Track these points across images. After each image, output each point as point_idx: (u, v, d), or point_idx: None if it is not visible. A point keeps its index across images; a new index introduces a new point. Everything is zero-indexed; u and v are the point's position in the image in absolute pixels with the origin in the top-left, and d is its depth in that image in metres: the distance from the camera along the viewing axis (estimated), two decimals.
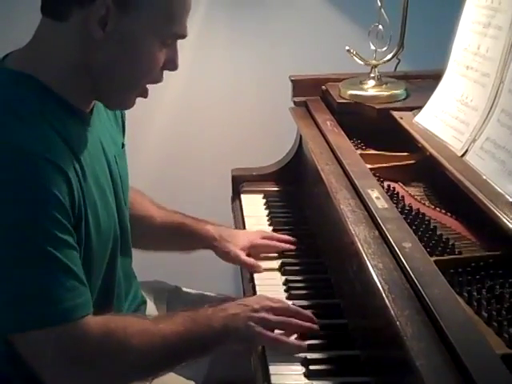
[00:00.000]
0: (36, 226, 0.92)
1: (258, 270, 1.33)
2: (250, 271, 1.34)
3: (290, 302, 1.18)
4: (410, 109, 1.43)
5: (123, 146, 1.24)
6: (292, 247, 1.39)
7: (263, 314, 1.08)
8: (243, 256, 1.35)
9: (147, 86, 1.06)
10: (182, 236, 1.40)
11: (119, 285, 1.18)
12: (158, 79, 1.05)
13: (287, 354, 1.05)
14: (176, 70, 1.06)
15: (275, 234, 1.44)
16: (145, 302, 1.33)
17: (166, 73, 1.06)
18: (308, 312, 1.13)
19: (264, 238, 1.41)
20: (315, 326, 1.10)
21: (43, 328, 0.94)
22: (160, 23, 0.99)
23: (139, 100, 1.09)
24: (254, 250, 1.39)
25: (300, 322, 1.10)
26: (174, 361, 1.07)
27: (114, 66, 1.00)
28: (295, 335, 1.08)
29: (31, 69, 0.99)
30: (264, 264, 1.35)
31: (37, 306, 0.93)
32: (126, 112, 1.30)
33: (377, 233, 1.04)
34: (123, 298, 1.21)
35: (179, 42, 1.05)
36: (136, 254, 1.29)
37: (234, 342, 1.08)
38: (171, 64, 1.04)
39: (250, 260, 1.35)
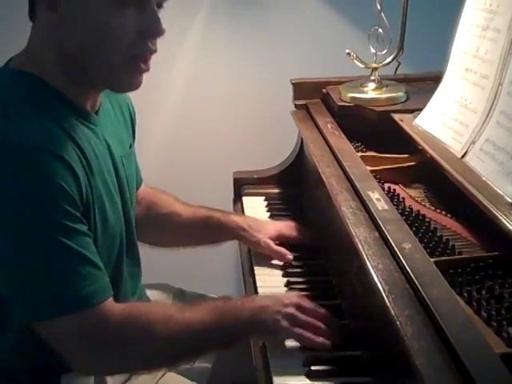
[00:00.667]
0: (45, 217, 0.93)
1: (289, 259, 1.34)
2: (280, 260, 1.34)
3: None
4: (410, 111, 1.44)
5: (131, 146, 1.25)
6: (314, 243, 1.39)
7: (292, 310, 1.07)
8: (273, 245, 1.36)
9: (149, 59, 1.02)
10: (210, 228, 1.40)
11: (125, 284, 1.19)
12: (144, 48, 1.00)
13: (285, 352, 1.06)
14: (158, 36, 1.00)
15: (302, 228, 1.44)
16: None
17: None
18: (337, 321, 1.12)
19: (291, 228, 1.42)
20: (338, 338, 1.08)
21: (64, 315, 0.95)
22: None
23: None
24: (283, 239, 1.39)
25: (325, 328, 1.08)
26: (198, 349, 1.07)
27: (86, 45, 0.98)
28: None
29: (33, 68, 1.01)
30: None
31: (55, 295, 0.95)
32: None
33: (377, 234, 1.04)
34: (129, 297, 1.22)
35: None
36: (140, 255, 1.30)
37: (260, 334, 1.08)
38: (148, 29, 0.99)
39: (281, 249, 1.35)
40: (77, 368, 1.02)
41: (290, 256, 1.34)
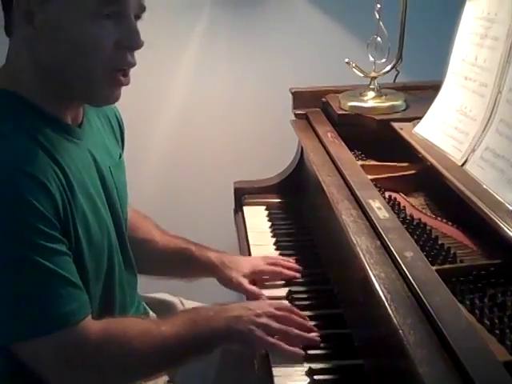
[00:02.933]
0: (20, 238, 0.93)
1: (261, 298, 1.28)
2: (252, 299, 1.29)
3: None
4: (410, 119, 1.44)
5: (120, 156, 1.24)
6: (297, 275, 1.33)
7: (265, 320, 1.08)
8: (246, 284, 1.31)
9: (129, 72, 1.01)
10: (184, 261, 1.37)
11: (124, 295, 1.19)
12: (121, 61, 0.99)
13: (288, 361, 1.06)
14: (136, 48, 0.99)
15: (280, 260, 1.38)
16: (147, 315, 1.33)
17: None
18: (309, 324, 1.13)
19: (269, 263, 1.35)
20: (316, 339, 1.10)
21: (41, 336, 0.95)
22: None
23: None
24: (259, 276, 1.34)
25: (300, 333, 1.10)
26: (174, 362, 1.10)
27: (62, 57, 0.97)
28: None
29: (11, 85, 1.01)
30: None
31: (32, 315, 0.95)
32: (126, 125, 1.32)
33: (378, 243, 1.04)
34: (128, 308, 1.22)
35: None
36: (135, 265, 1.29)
37: (235, 344, 1.09)
38: (126, 40, 0.97)
39: (253, 288, 1.30)
40: None
41: (264, 295, 1.28)
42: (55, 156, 1.00)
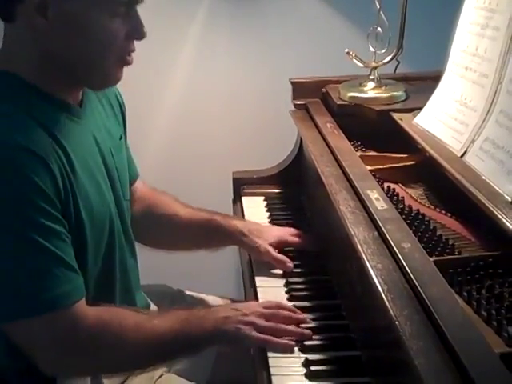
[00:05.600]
0: (20, 214, 0.93)
1: (290, 267, 1.30)
2: (280, 268, 1.31)
3: (290, 304, 1.18)
4: (410, 110, 1.44)
5: (121, 137, 1.24)
6: (316, 249, 1.37)
7: (253, 319, 1.09)
8: (273, 252, 1.33)
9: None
10: (209, 232, 1.37)
11: (127, 278, 1.19)
12: (127, 49, 1.05)
13: (283, 354, 1.06)
14: (143, 39, 1.05)
15: (302, 233, 1.41)
16: (148, 306, 1.33)
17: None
18: (301, 315, 1.13)
19: (292, 235, 1.39)
20: (307, 332, 1.10)
21: (33, 316, 0.95)
22: None
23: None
24: (283, 247, 1.36)
25: (290, 328, 1.10)
26: (165, 357, 1.10)
27: (73, 48, 1.01)
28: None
29: (10, 66, 1.01)
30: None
31: (25, 295, 0.95)
32: (128, 115, 1.31)
33: (376, 233, 1.04)
34: (134, 290, 1.22)
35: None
36: (139, 257, 1.29)
37: (224, 344, 1.10)
38: (135, 32, 1.04)
39: (282, 256, 1.32)
40: (45, 370, 1.01)
41: (291, 264, 1.31)
42: (56, 134, 1.00)
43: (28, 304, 0.95)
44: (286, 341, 1.07)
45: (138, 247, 1.30)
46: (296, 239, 1.39)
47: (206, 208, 1.43)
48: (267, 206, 1.62)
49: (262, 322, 1.09)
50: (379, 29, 1.53)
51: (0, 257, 0.94)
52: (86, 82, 1.08)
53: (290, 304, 1.19)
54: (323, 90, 1.65)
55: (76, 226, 1.02)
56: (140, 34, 1.05)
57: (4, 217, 0.92)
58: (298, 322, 1.12)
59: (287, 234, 1.40)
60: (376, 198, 1.12)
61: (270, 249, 1.33)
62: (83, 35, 1.00)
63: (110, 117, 1.23)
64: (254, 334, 1.07)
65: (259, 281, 1.31)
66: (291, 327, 1.10)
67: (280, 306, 1.15)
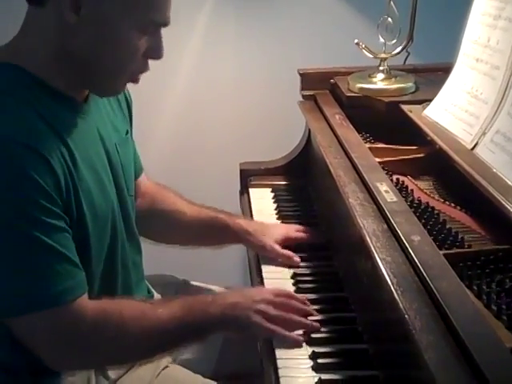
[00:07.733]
0: (20, 211, 0.92)
1: (297, 261, 1.31)
2: (287, 263, 1.32)
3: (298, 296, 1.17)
4: (420, 102, 1.43)
5: (127, 133, 1.24)
6: (322, 241, 1.37)
7: (263, 306, 1.08)
8: (279, 249, 1.33)
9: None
10: (215, 230, 1.38)
11: (127, 274, 1.19)
12: (142, 68, 1.04)
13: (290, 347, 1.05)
14: (159, 59, 1.04)
15: (307, 229, 1.41)
16: (152, 296, 1.33)
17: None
18: (310, 308, 1.13)
19: (297, 231, 1.39)
20: (316, 324, 1.09)
21: (37, 312, 0.95)
22: (138, 9, 0.98)
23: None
24: (289, 243, 1.36)
25: (299, 319, 1.09)
26: (169, 346, 1.10)
27: (93, 51, 0.99)
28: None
29: (18, 59, 0.99)
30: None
31: (28, 291, 0.94)
32: (134, 106, 1.30)
33: (385, 226, 1.03)
34: (132, 287, 1.21)
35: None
36: (144, 247, 1.29)
37: (232, 330, 1.09)
38: (154, 53, 1.03)
39: (288, 252, 1.33)
40: (49, 364, 1.01)
41: (297, 258, 1.31)
42: (59, 129, 0.99)
43: (31, 300, 0.94)
44: (295, 335, 1.07)
45: (143, 239, 1.29)
46: (301, 235, 1.39)
47: (212, 200, 1.43)
48: (274, 197, 1.61)
49: (272, 311, 1.08)
50: (389, 19, 1.51)
51: (1, 254, 0.93)
52: (91, 86, 1.06)
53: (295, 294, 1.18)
54: (332, 81, 1.64)
55: (78, 222, 1.01)
56: (158, 56, 1.04)
57: (4, 214, 0.92)
58: (306, 315, 1.11)
59: (292, 230, 1.40)
60: (385, 191, 1.11)
61: (276, 246, 1.33)
62: (109, 43, 0.99)
63: (117, 111, 1.22)
64: (264, 323, 1.06)
65: (266, 272, 1.30)
66: (301, 318, 1.09)
67: (291, 296, 1.15)
